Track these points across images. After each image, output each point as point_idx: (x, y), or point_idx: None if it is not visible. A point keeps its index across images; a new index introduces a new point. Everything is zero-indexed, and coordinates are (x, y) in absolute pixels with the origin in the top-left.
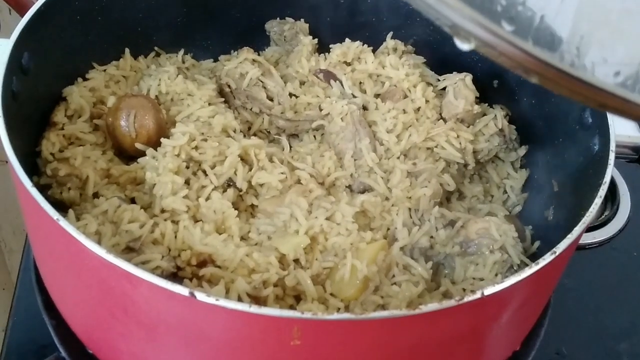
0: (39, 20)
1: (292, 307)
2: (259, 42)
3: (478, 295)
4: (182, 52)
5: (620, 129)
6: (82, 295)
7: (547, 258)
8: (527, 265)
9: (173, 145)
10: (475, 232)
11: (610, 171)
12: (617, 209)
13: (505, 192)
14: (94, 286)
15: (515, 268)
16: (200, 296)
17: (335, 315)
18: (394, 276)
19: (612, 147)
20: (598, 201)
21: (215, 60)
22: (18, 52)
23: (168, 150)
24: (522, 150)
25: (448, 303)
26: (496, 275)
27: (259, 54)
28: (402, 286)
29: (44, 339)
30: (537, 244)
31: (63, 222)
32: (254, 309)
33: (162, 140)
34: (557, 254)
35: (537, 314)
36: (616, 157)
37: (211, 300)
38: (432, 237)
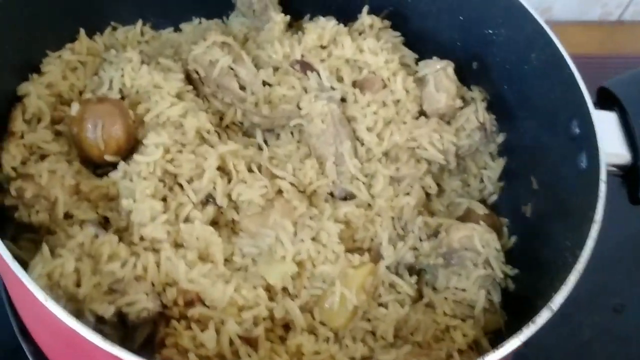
0: None
1: (281, 338)
2: (223, 6)
3: None
4: (139, 23)
5: (604, 145)
6: (55, 346)
7: (544, 315)
8: (509, 276)
9: (147, 161)
10: (457, 240)
11: (602, 206)
12: None
13: (482, 181)
14: (73, 349)
15: (497, 281)
16: None
17: None
18: (380, 295)
19: (603, 176)
20: (591, 244)
21: (177, 29)
22: None
23: (142, 168)
24: (500, 138)
25: None
26: (479, 288)
27: (223, 21)
28: (389, 307)
29: None
30: (513, 239)
31: (50, 304)
32: None
33: (135, 156)
34: (554, 310)
35: None
36: None
37: None
38: (415, 248)
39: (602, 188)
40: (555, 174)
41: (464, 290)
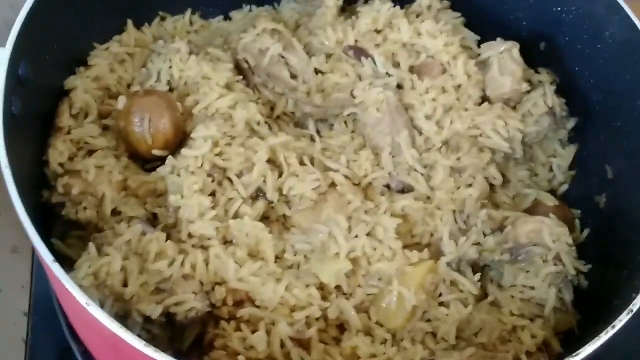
0: (31, 21)
1: (335, 340)
2: None
3: None
4: (189, 12)
5: None
6: (101, 348)
7: (624, 319)
8: (582, 273)
9: (195, 155)
10: (525, 235)
11: None
12: None
13: (551, 170)
14: (111, 347)
15: (570, 278)
16: None
17: None
18: (440, 294)
19: None
20: None
21: (226, 17)
22: (15, 61)
23: (190, 163)
24: (571, 123)
25: None
26: (550, 286)
27: (274, 7)
28: (451, 308)
29: None
30: (586, 232)
31: (92, 309)
32: None
33: (183, 151)
34: (634, 311)
35: None
36: None
37: None
38: (479, 243)
39: None
40: (632, 163)
41: (532, 288)
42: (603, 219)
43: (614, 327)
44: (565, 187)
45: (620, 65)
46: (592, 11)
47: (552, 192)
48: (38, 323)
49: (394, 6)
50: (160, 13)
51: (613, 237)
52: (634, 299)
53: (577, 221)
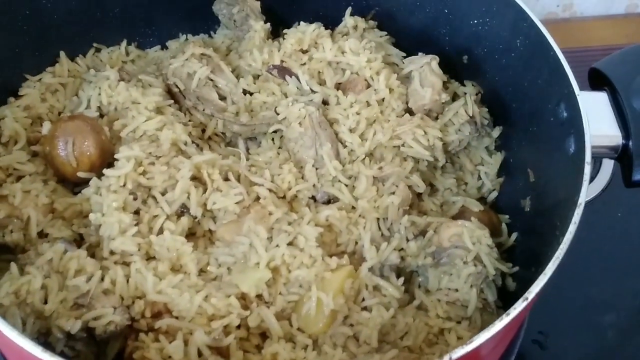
0: None
1: (258, 347)
2: (210, 21)
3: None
4: (124, 43)
5: (596, 127)
6: None
7: (518, 306)
8: (502, 272)
9: (117, 175)
10: (447, 239)
11: (586, 189)
12: (600, 166)
13: (479, 178)
14: None
15: (490, 278)
16: None
17: None
18: (363, 299)
19: (588, 158)
20: (573, 228)
21: (163, 47)
22: None
23: (112, 182)
24: (496, 132)
25: None
26: (471, 287)
27: (210, 36)
28: (373, 311)
29: None
30: (514, 236)
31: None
32: None
33: (105, 171)
34: (528, 299)
35: (510, 338)
36: (593, 157)
37: None
38: (402, 249)
39: (587, 170)
40: (548, 163)
41: (456, 290)
42: (528, 222)
43: (508, 313)
44: (494, 194)
45: (532, 70)
46: (503, 21)
47: (482, 199)
48: None
49: (319, 27)
50: (95, 44)
51: (536, 239)
52: (531, 287)
53: (504, 225)
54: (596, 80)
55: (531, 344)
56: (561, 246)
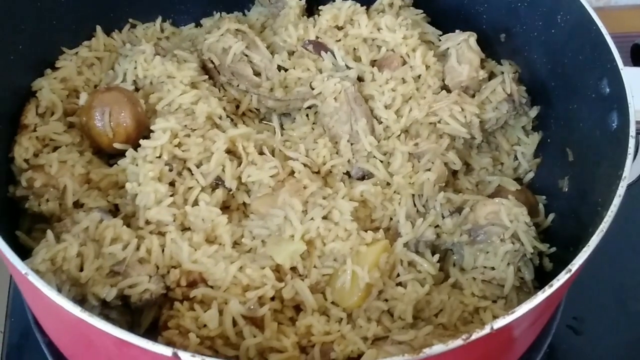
0: None
1: (291, 320)
2: (244, 0)
3: (487, 330)
4: (159, 19)
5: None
6: (66, 339)
7: (561, 278)
8: (540, 251)
9: (153, 146)
10: (484, 216)
11: (630, 163)
12: (638, 149)
13: (515, 158)
14: (76, 335)
15: (528, 256)
16: (184, 356)
17: None
18: (398, 275)
19: (632, 131)
20: (617, 201)
21: (197, 24)
22: None
23: (148, 152)
24: (534, 112)
25: (455, 343)
26: (508, 265)
27: (244, 14)
28: (408, 287)
29: None
30: (551, 217)
31: (47, 291)
32: None
33: (142, 141)
34: (572, 271)
35: (549, 316)
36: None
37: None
38: (437, 226)
39: (631, 144)
40: (588, 141)
41: (492, 268)
42: (566, 202)
43: (551, 285)
44: (530, 175)
45: (573, 47)
46: None
47: (518, 180)
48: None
49: (355, 4)
50: (130, 20)
51: (575, 219)
52: (574, 259)
53: (541, 206)
54: (639, 56)
55: (565, 329)
56: (605, 219)
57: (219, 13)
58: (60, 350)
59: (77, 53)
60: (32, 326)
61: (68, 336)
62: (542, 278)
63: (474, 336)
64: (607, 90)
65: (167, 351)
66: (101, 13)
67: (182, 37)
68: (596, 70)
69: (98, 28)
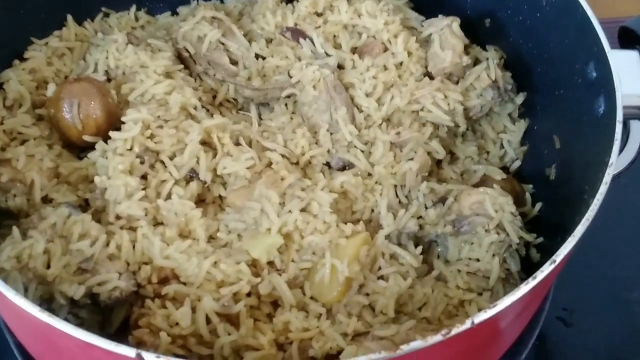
0: None
1: (269, 316)
2: None
3: (468, 325)
4: (134, 8)
5: (627, 86)
6: (30, 340)
7: (545, 269)
8: (527, 241)
9: (124, 137)
10: (468, 206)
11: (617, 149)
12: (627, 137)
13: (502, 146)
14: (38, 336)
15: (514, 247)
16: (148, 357)
17: None
18: (380, 268)
19: (620, 117)
20: (603, 189)
21: (174, 13)
22: None
23: (119, 145)
24: (520, 98)
25: (434, 339)
26: (493, 256)
27: (222, 1)
28: (390, 280)
29: None
30: (538, 206)
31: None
32: None
33: (111, 133)
34: (557, 262)
35: (535, 308)
36: (624, 118)
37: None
38: (420, 217)
39: (618, 129)
40: (575, 128)
41: (477, 260)
42: (553, 191)
43: (535, 277)
44: (517, 164)
45: (559, 30)
46: None
47: (505, 169)
48: None
49: None
50: (103, 9)
51: (562, 207)
52: (558, 250)
53: (528, 195)
54: (626, 39)
55: (555, 321)
56: (591, 207)
57: (195, 1)
58: (29, 351)
59: (47, 43)
60: (2, 327)
61: (32, 337)
62: (530, 270)
63: (454, 331)
64: (594, 74)
65: (131, 352)
66: (72, 1)
67: (158, 26)
68: (582, 54)
69: (69, 17)
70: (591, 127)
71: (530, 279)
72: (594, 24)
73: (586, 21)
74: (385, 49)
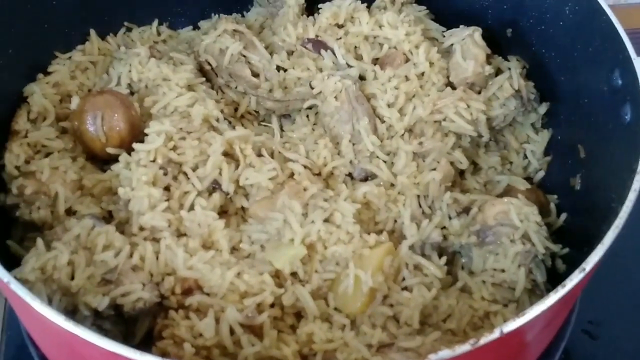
0: None
1: (292, 328)
2: (242, 1)
3: (496, 334)
4: (155, 22)
5: None
6: (55, 351)
7: (575, 278)
8: (552, 252)
9: (147, 149)
10: (493, 216)
11: None
12: None
13: (525, 157)
14: (63, 347)
15: (540, 257)
16: None
17: None
18: (403, 279)
19: None
20: (632, 196)
21: (195, 27)
22: None
23: (142, 156)
24: (543, 108)
25: (462, 348)
26: (519, 266)
27: (242, 15)
28: (414, 291)
29: None
30: (563, 216)
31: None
32: None
33: (135, 145)
34: (586, 270)
35: (562, 321)
36: None
37: None
38: (444, 227)
39: None
40: (600, 136)
41: (502, 271)
42: (579, 201)
43: (564, 285)
44: (541, 174)
45: (582, 39)
46: None
47: (528, 179)
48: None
49: (356, 1)
50: (126, 23)
51: (588, 217)
52: (587, 257)
53: (553, 205)
54: None
55: (581, 334)
56: (620, 215)
57: (217, 15)
58: None
59: (70, 57)
60: (26, 339)
61: (56, 348)
62: (555, 281)
63: (483, 341)
64: (620, 82)
65: None
66: (95, 16)
67: (179, 40)
68: (607, 61)
69: (92, 32)
70: (617, 135)
71: (559, 286)
72: (618, 31)
73: (610, 28)
74: (407, 60)
